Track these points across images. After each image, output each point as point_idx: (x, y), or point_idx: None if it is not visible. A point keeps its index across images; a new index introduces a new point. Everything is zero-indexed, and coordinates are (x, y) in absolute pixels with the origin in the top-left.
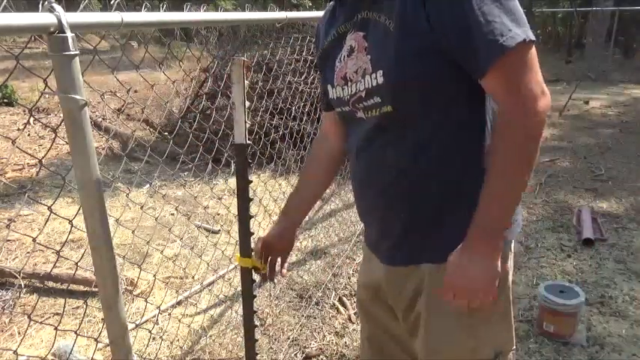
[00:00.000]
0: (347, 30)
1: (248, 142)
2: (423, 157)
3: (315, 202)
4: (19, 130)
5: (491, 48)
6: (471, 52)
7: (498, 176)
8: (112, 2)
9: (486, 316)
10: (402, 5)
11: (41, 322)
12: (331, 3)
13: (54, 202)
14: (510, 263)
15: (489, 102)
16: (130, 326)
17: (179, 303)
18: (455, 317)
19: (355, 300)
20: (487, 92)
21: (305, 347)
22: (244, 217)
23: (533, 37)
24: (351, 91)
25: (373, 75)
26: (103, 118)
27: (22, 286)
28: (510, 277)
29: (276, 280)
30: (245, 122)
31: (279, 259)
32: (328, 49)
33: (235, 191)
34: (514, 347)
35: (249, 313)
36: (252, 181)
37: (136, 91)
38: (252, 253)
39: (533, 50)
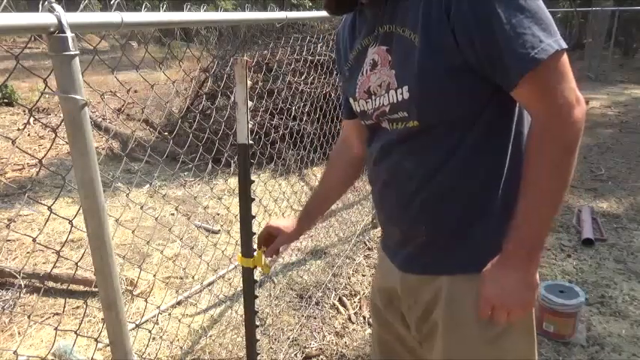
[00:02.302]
0: (369, 43)
1: (250, 142)
2: (446, 169)
3: (333, 203)
4: (19, 130)
5: (522, 61)
6: (502, 67)
7: (535, 189)
8: (112, 2)
9: (510, 327)
10: (426, 19)
11: (41, 322)
12: (350, 14)
13: (54, 202)
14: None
15: (521, 112)
16: (130, 326)
17: (179, 303)
18: (478, 328)
19: (356, 300)
20: (520, 103)
21: (305, 347)
22: (246, 217)
23: (564, 45)
24: (375, 104)
25: (399, 90)
26: (103, 118)
27: (22, 286)
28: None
29: (276, 280)
30: (247, 122)
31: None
32: (352, 62)
33: (235, 191)
34: (536, 359)
35: (250, 313)
36: (254, 181)
37: (136, 91)
38: (254, 238)
39: (565, 58)
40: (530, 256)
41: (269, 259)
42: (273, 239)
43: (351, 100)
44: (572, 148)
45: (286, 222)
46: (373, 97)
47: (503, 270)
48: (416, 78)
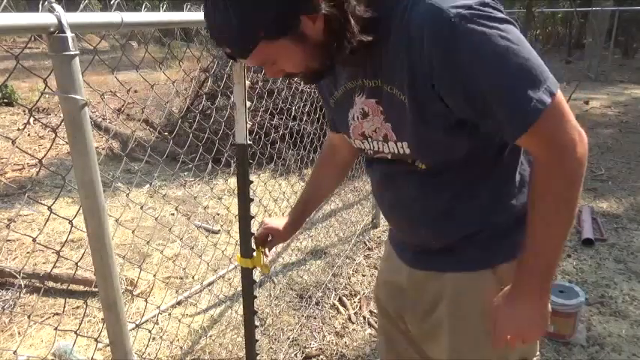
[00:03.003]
0: (354, 88)
1: (249, 142)
2: (449, 192)
3: (321, 202)
4: (19, 130)
5: (517, 124)
6: (497, 127)
7: (543, 224)
8: (112, 2)
9: None
10: (412, 89)
11: (41, 322)
12: None
13: (54, 202)
14: None
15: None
16: (130, 326)
17: (179, 303)
18: (482, 324)
19: (356, 300)
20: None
21: (305, 347)
22: (245, 217)
23: (556, 87)
24: (374, 147)
25: (399, 144)
26: (103, 118)
27: (22, 286)
28: None
29: (276, 280)
30: (246, 122)
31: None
32: (338, 98)
33: (235, 191)
34: (537, 354)
35: (249, 313)
36: (252, 181)
37: (136, 91)
38: (252, 239)
39: (559, 99)
40: (542, 287)
41: (268, 259)
42: (267, 239)
43: (344, 136)
44: (578, 183)
45: (281, 221)
46: (370, 140)
47: (517, 303)
48: (413, 138)
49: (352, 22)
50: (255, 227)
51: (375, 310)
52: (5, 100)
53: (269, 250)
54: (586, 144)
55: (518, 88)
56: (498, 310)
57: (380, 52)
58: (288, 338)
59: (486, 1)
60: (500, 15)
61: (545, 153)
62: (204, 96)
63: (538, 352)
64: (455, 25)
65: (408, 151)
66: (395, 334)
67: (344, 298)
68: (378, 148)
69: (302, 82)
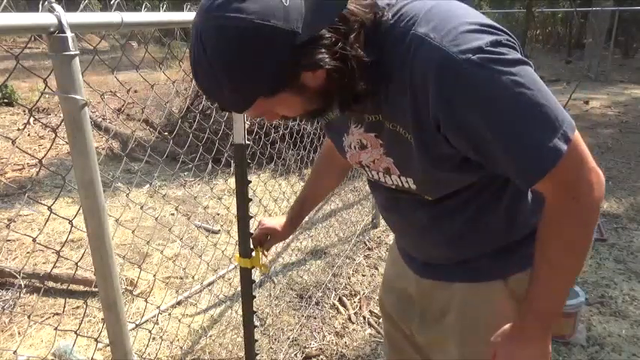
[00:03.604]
0: (352, 120)
1: (247, 142)
2: (460, 217)
3: (319, 202)
4: (19, 130)
5: (531, 175)
6: (510, 175)
7: (552, 266)
8: (112, 2)
9: None
10: (417, 129)
11: (41, 322)
12: None
13: (54, 202)
14: None
15: None
16: (130, 326)
17: (179, 303)
18: (489, 334)
19: (356, 300)
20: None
21: (305, 347)
22: (244, 217)
23: (573, 129)
24: (373, 176)
25: (403, 178)
26: (103, 118)
27: (22, 286)
28: None
29: (276, 280)
30: (244, 122)
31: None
32: (334, 122)
33: (235, 191)
34: None
35: (248, 313)
36: (251, 182)
37: (136, 91)
38: (250, 239)
39: (577, 141)
40: (545, 328)
41: (267, 259)
42: (266, 239)
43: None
44: (591, 227)
45: (278, 221)
46: (368, 169)
47: (519, 343)
48: (419, 175)
49: (357, 72)
50: (254, 227)
51: (375, 311)
52: (5, 100)
53: (267, 250)
54: (603, 185)
55: (533, 129)
56: (499, 350)
57: (381, 90)
58: (288, 338)
59: (500, 39)
60: (513, 56)
61: (559, 196)
62: (205, 96)
63: None
64: (463, 72)
65: (413, 187)
66: (399, 340)
67: (344, 298)
68: (379, 178)
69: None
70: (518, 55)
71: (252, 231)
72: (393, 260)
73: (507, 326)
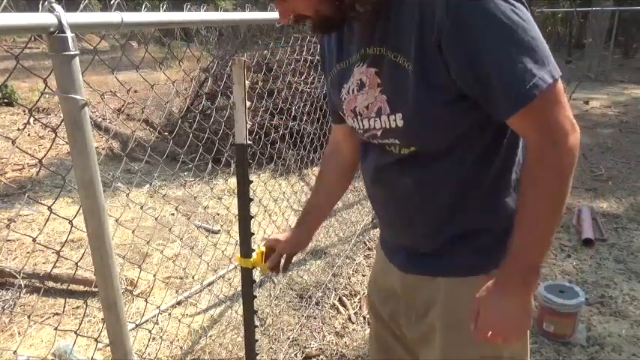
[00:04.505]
0: (356, 61)
1: (248, 142)
2: (446, 188)
3: (331, 209)
4: (19, 130)
5: (515, 97)
6: (494, 101)
7: (531, 217)
8: (112, 2)
9: None
10: (419, 50)
11: (41, 322)
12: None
13: (54, 202)
14: None
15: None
16: (130, 326)
17: (179, 303)
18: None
19: (356, 300)
20: (514, 130)
21: (305, 347)
22: (245, 217)
23: (558, 74)
24: (363, 125)
25: (392, 117)
26: (103, 118)
27: (22, 286)
28: None
29: (276, 280)
30: (246, 122)
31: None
32: (337, 74)
33: (235, 191)
34: (527, 356)
35: (249, 313)
36: (252, 182)
37: (136, 91)
38: (255, 247)
39: (560, 86)
40: (526, 282)
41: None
42: (284, 249)
43: (340, 112)
44: (567, 176)
45: (284, 234)
46: (359, 118)
47: (500, 296)
48: (411, 108)
49: None
50: (254, 227)
51: None
52: (5, 100)
53: (276, 264)
54: (578, 137)
55: (525, 60)
56: (480, 304)
57: (389, 15)
58: (288, 338)
59: None
60: None
61: (537, 139)
62: (204, 96)
63: (528, 355)
64: None
65: (401, 123)
66: (389, 340)
67: (344, 298)
68: (371, 125)
69: (311, 31)
70: None
71: (253, 231)
72: (378, 260)
73: (490, 282)
